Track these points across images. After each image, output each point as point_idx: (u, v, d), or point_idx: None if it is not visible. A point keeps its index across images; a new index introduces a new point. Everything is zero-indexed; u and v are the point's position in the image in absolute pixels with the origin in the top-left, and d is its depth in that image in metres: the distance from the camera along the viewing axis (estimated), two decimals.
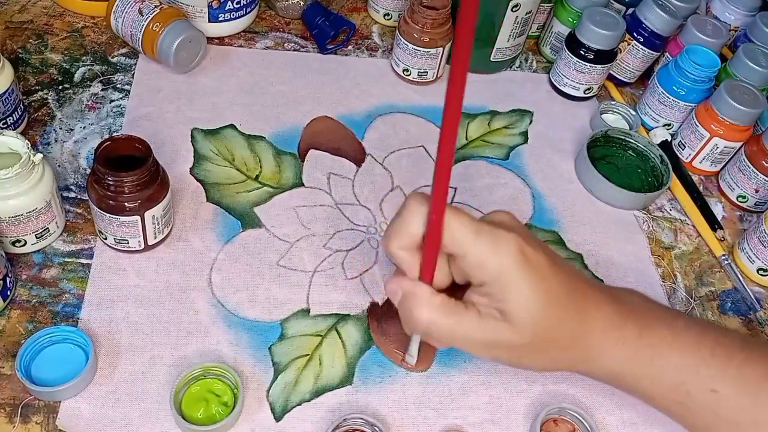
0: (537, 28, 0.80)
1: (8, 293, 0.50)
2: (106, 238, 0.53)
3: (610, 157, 0.70)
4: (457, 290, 0.45)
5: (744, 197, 0.68)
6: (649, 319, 0.46)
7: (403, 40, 0.69)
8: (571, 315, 0.44)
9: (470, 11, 0.34)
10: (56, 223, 0.54)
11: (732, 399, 0.44)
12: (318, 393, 0.50)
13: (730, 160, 0.69)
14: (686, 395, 0.45)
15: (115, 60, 0.69)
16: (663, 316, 0.48)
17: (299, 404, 0.50)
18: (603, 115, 0.73)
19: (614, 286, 0.49)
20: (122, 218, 0.51)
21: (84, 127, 0.63)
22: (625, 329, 0.45)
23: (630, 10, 0.76)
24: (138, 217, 0.51)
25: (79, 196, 0.58)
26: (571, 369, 0.47)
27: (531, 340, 0.43)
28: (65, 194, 0.58)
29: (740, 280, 0.62)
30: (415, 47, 0.69)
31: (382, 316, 0.55)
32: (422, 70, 0.71)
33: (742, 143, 0.67)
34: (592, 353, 0.45)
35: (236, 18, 0.72)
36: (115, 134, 0.59)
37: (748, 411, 0.44)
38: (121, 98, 0.66)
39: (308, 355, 0.52)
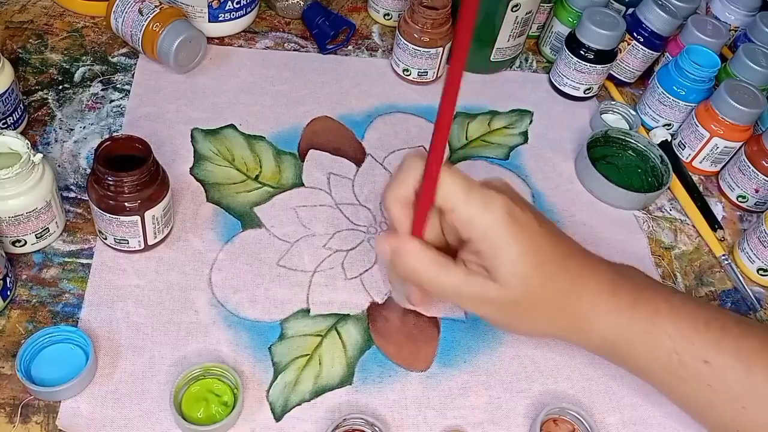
0: (537, 28, 0.80)
1: (8, 293, 0.50)
2: (106, 238, 0.53)
3: (610, 157, 0.70)
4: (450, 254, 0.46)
5: (744, 197, 0.68)
6: (645, 290, 0.46)
7: (403, 40, 0.69)
8: (561, 276, 0.44)
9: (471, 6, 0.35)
10: (56, 223, 0.54)
11: (725, 370, 0.44)
12: (318, 393, 0.50)
13: (730, 160, 0.69)
14: (680, 365, 0.45)
15: (115, 60, 0.69)
16: (659, 288, 0.48)
17: (299, 404, 0.50)
18: (603, 115, 0.73)
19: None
20: (122, 218, 0.51)
21: (84, 127, 0.63)
22: (620, 296, 0.45)
23: (630, 10, 0.76)
24: (138, 217, 0.51)
25: (79, 196, 0.58)
26: (564, 336, 0.47)
27: (518, 299, 0.43)
28: (65, 194, 0.58)
29: (740, 280, 0.62)
30: (415, 47, 0.69)
31: (382, 316, 0.55)
32: (422, 70, 0.71)
33: (742, 143, 0.67)
34: (585, 318, 0.45)
35: (236, 18, 0.72)
36: (115, 134, 0.59)
37: (742, 383, 0.44)
38: (121, 98, 0.66)
39: (308, 355, 0.52)
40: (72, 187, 0.59)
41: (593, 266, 0.46)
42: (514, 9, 0.69)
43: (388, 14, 0.78)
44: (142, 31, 0.65)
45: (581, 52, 0.71)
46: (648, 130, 0.73)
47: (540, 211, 0.46)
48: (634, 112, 0.73)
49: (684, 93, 0.70)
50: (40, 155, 0.50)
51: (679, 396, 0.48)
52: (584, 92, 0.74)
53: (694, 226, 0.66)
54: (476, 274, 0.43)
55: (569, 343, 0.49)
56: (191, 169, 0.62)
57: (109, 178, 0.49)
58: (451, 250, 0.46)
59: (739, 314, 0.60)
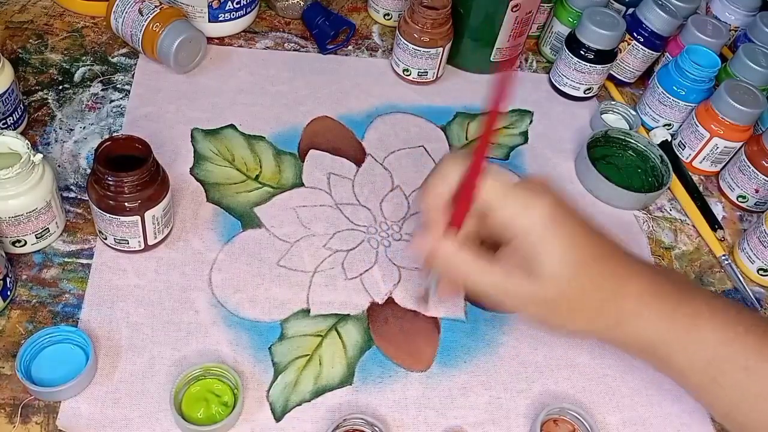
0: (537, 28, 0.80)
1: (8, 293, 0.50)
2: (106, 238, 0.53)
3: (610, 157, 0.70)
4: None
5: (744, 197, 0.68)
6: (687, 293, 0.46)
7: (403, 40, 0.69)
8: (603, 276, 0.44)
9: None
10: (56, 223, 0.54)
11: (764, 375, 0.44)
12: (318, 393, 0.50)
13: (730, 160, 0.69)
14: (718, 371, 0.45)
15: (115, 60, 0.69)
16: (700, 292, 0.48)
17: (299, 404, 0.50)
18: (603, 115, 0.73)
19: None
20: (122, 218, 0.51)
21: (84, 127, 0.63)
22: (661, 298, 0.45)
23: (630, 10, 0.76)
24: (138, 217, 0.51)
25: (79, 196, 0.58)
26: (603, 336, 0.47)
27: (559, 298, 0.43)
28: (65, 194, 0.58)
29: (740, 280, 0.62)
30: (415, 47, 0.69)
31: (382, 316, 0.55)
32: (422, 70, 0.71)
33: (742, 143, 0.67)
34: (626, 318, 0.45)
35: (236, 18, 0.72)
36: (115, 134, 0.59)
37: None
38: (121, 98, 0.66)
39: (308, 355, 0.52)
40: (72, 187, 0.59)
41: (635, 267, 0.46)
42: (514, 9, 0.69)
43: (388, 14, 0.78)
44: (142, 31, 0.65)
45: (581, 52, 0.71)
46: (648, 130, 0.73)
47: (584, 213, 0.45)
48: (634, 112, 0.73)
49: (684, 93, 0.70)
50: (40, 155, 0.50)
51: (715, 402, 0.47)
52: (584, 92, 0.74)
53: (694, 226, 0.66)
54: (516, 273, 0.43)
55: (608, 344, 0.48)
56: (191, 169, 0.62)
57: (109, 178, 0.49)
58: (483, 250, 0.46)
59: None
